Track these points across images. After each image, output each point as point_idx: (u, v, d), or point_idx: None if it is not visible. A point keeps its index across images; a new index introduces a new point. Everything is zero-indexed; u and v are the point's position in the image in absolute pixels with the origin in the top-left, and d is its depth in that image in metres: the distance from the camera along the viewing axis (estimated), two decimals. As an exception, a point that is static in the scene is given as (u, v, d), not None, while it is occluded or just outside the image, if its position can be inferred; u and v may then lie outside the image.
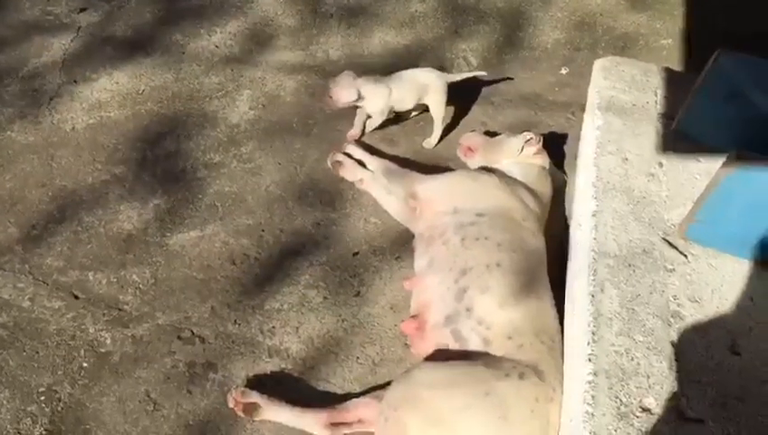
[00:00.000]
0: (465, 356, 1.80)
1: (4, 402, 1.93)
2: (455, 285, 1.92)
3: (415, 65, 2.75)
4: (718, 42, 2.12)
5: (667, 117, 2.18)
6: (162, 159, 2.63)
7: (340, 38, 3.21)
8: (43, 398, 1.95)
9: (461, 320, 1.85)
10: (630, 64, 2.42)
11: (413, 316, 1.98)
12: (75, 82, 2.94)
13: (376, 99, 2.56)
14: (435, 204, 2.18)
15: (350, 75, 2.54)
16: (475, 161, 2.45)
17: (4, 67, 3.01)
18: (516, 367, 1.72)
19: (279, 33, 3.23)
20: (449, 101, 2.67)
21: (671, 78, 2.35)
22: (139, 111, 2.82)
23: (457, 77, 2.69)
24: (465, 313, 1.86)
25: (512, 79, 2.96)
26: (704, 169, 1.99)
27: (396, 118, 2.73)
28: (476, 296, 1.87)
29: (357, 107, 2.60)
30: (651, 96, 2.27)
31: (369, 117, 2.65)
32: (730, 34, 2.96)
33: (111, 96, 2.88)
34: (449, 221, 2.08)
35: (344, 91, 2.52)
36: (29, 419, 1.90)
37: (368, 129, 2.68)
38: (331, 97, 2.55)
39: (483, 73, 2.83)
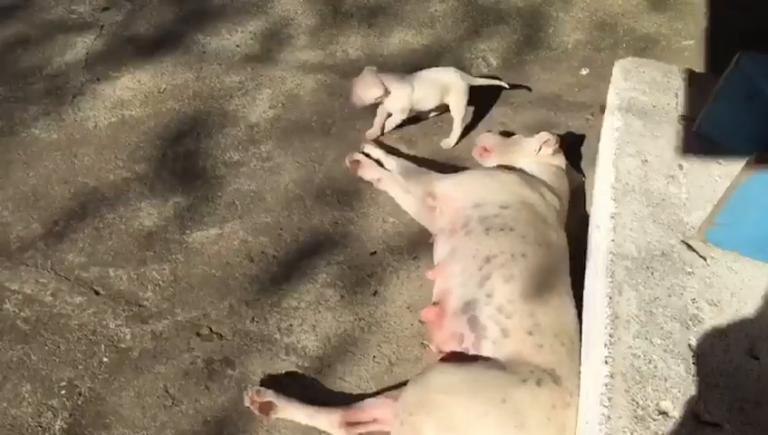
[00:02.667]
0: (481, 350, 1.79)
1: (26, 396, 1.97)
2: (478, 272, 1.91)
3: (434, 65, 2.75)
4: (740, 43, 2.10)
5: (688, 119, 2.16)
6: (182, 157, 2.65)
7: (360, 38, 3.22)
8: (63, 392, 1.98)
9: (480, 306, 1.84)
10: (651, 65, 2.40)
11: (434, 303, 1.98)
12: (98, 80, 2.98)
13: (398, 97, 2.55)
14: (454, 201, 2.18)
15: (373, 72, 2.52)
16: (490, 162, 2.44)
17: (29, 65, 3.06)
18: (534, 372, 1.70)
19: (299, 33, 3.24)
20: (469, 102, 2.66)
21: (692, 79, 2.32)
22: (160, 109, 2.85)
23: (479, 81, 2.69)
24: (485, 298, 1.85)
25: (530, 90, 2.95)
26: (724, 172, 1.97)
27: (415, 118, 2.73)
28: (499, 284, 1.86)
29: (378, 105, 2.59)
30: (672, 98, 2.25)
31: (389, 116, 2.64)
32: (752, 35, 2.92)
33: (133, 94, 2.91)
34: (472, 214, 2.08)
35: (370, 88, 2.51)
36: (50, 412, 1.93)
37: (387, 128, 2.68)
38: (358, 95, 2.53)
39: (504, 85, 2.81)
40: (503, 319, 1.81)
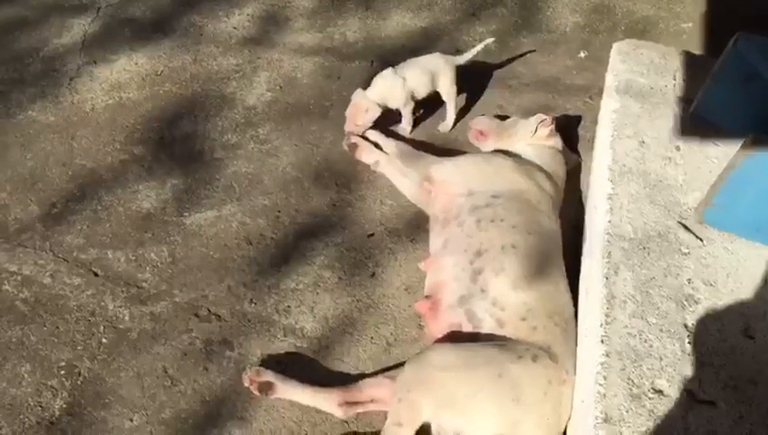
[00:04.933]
0: (478, 338, 1.81)
1: (26, 376, 1.98)
2: (470, 267, 1.93)
3: (432, 48, 2.75)
4: (739, 25, 2.10)
5: (686, 101, 2.16)
6: (180, 139, 2.65)
7: (358, 20, 3.21)
8: (63, 372, 1.98)
9: (475, 301, 1.86)
10: (649, 47, 2.40)
11: (427, 296, 1.99)
12: (95, 62, 2.97)
13: (394, 94, 2.55)
14: (450, 187, 2.18)
15: (361, 94, 2.52)
16: (487, 145, 2.45)
17: (26, 48, 3.05)
18: (529, 349, 1.72)
19: (296, 15, 3.23)
20: (467, 85, 2.66)
21: (690, 61, 2.33)
22: (157, 91, 2.84)
23: (465, 57, 2.67)
24: (479, 294, 1.87)
25: (524, 55, 2.94)
26: (721, 153, 1.98)
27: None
28: (491, 278, 1.88)
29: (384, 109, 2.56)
30: (669, 80, 2.25)
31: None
32: (750, 17, 2.92)
33: (130, 77, 2.90)
34: (464, 203, 2.09)
35: (365, 112, 2.51)
36: (49, 392, 1.94)
37: (407, 128, 2.67)
38: (354, 122, 2.53)
39: (490, 40, 2.77)
40: (497, 311, 1.83)
